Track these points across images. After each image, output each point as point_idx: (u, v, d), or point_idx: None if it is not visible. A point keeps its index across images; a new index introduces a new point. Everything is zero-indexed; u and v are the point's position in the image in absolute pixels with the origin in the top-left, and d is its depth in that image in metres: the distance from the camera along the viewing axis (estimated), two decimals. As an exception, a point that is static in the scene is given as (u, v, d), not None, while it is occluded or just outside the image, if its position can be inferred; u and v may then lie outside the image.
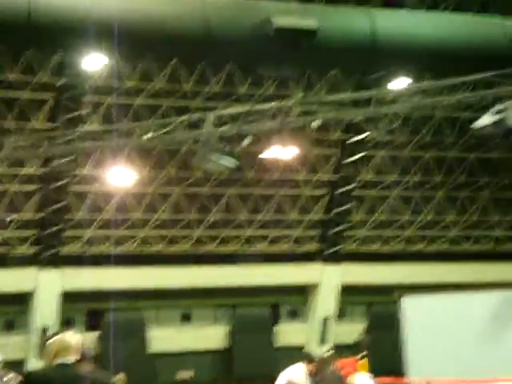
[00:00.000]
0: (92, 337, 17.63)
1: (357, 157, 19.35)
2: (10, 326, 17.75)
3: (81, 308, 18.23)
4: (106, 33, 12.67)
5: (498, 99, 9.89)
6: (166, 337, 18.75)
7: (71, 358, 5.25)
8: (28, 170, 17.01)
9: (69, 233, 17.71)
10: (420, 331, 13.32)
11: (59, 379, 5.20)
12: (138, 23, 13.17)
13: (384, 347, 16.05)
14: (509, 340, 12.37)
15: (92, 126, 16.82)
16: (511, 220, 21.09)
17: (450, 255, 20.67)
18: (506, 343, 12.35)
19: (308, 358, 10.09)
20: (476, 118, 10.61)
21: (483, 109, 10.42)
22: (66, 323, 17.81)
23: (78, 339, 5.34)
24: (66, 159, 16.60)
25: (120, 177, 16.84)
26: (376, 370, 16.29)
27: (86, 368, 5.40)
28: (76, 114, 16.64)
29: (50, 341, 5.36)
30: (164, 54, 14.62)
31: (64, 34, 12.72)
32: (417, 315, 13.57)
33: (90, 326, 18.07)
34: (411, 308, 13.62)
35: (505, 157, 20.70)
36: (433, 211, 20.45)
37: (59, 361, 5.26)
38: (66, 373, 5.22)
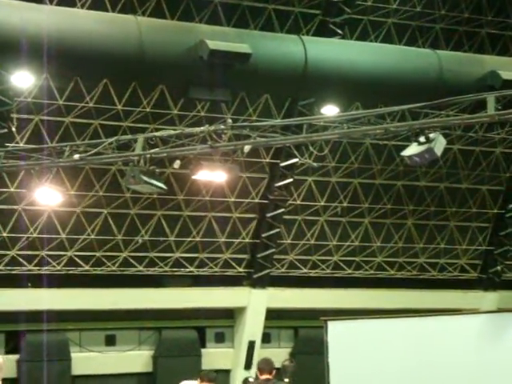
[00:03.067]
0: (11, 359, 17.23)
1: (286, 181, 19.50)
2: None
3: (0, 329, 17.80)
4: (37, 50, 12.55)
5: (426, 129, 10.09)
6: (89, 359, 18.46)
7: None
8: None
9: (-8, 252, 17.35)
10: (344, 356, 13.40)
11: None
12: (70, 41, 13.08)
13: (310, 372, 16.09)
14: (433, 366, 12.55)
15: (19, 143, 16.55)
16: (435, 248, 21.50)
17: (376, 281, 20.94)
18: (431, 369, 12.52)
19: (205, 377, 10.32)
20: (404, 147, 10.79)
21: (411, 137, 10.60)
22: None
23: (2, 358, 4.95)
24: (-9, 177, 16.28)
25: (47, 196, 16.57)
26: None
27: None
28: (2, 131, 16.35)
29: None
30: (96, 73, 14.55)
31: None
32: (342, 340, 13.65)
33: (10, 348, 17.67)
34: (336, 333, 13.71)
35: (431, 185, 21.14)
36: (360, 237, 20.72)
37: None
38: None
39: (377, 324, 13.59)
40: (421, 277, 21.44)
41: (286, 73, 14.67)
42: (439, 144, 10.03)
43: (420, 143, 10.19)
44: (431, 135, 10.06)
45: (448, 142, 10.96)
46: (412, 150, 10.27)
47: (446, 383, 11.64)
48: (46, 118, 16.86)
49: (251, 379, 11.75)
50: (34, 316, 17.11)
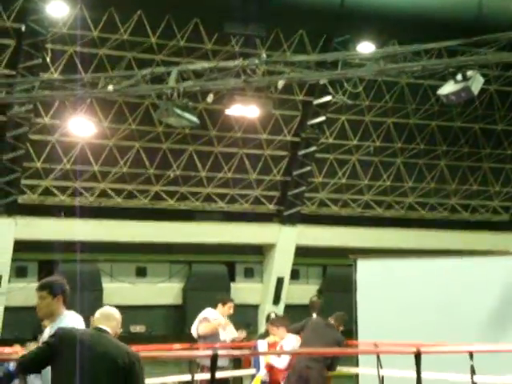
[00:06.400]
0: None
1: (319, 119, 19.37)
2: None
3: (34, 258, 18.12)
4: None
5: (463, 67, 9.94)
6: (120, 290, 18.74)
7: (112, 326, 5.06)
8: (-14, 117, 16.77)
9: (26, 181, 17.52)
10: (372, 295, 13.48)
11: (91, 342, 4.87)
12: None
13: (337, 309, 16.16)
14: (462, 305, 12.59)
15: (53, 74, 16.57)
16: (467, 189, 21.37)
17: (407, 221, 20.91)
18: (459, 308, 12.56)
19: (222, 301, 10.73)
20: (439, 86, 10.66)
21: (447, 76, 10.46)
22: (19, 272, 17.72)
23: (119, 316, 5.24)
24: (26, 107, 16.34)
25: (80, 128, 16.69)
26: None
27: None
28: (37, 61, 16.36)
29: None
30: (130, 3, 14.47)
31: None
32: (370, 278, 13.71)
33: (43, 277, 17.93)
34: (365, 271, 13.76)
35: (465, 126, 20.91)
36: (391, 177, 20.63)
37: (98, 325, 5.07)
38: (102, 338, 4.91)
39: (406, 263, 13.62)
40: (452, 218, 21.38)
41: (323, 8, 14.48)
42: (476, 82, 9.90)
43: (457, 81, 10.06)
44: (469, 73, 9.92)
45: (484, 82, 10.78)
46: (449, 88, 10.14)
47: (475, 322, 11.68)
48: (80, 49, 16.82)
49: (273, 314, 11.87)
50: (67, 246, 17.33)
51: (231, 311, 10.99)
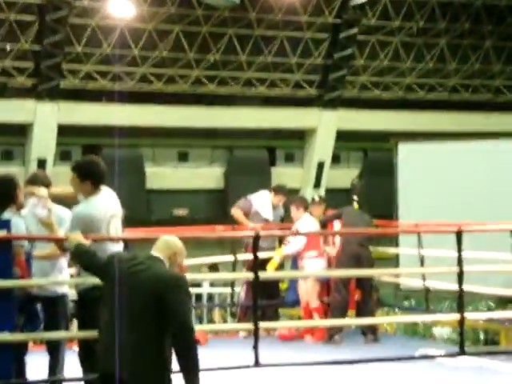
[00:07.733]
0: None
1: (361, 0, 18.92)
2: (8, 157, 17.95)
3: (77, 142, 18.35)
4: None
5: None
6: (162, 175, 18.98)
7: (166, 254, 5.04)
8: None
9: (67, 66, 17.55)
10: (413, 178, 13.52)
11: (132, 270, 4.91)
12: None
13: (377, 192, 16.27)
14: (500, 189, 12.60)
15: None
16: (512, 70, 20.93)
17: (449, 104, 20.64)
18: (497, 192, 12.58)
19: (276, 189, 10.91)
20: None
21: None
22: (63, 156, 17.99)
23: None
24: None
25: (120, 10, 16.56)
26: (368, 214, 16.51)
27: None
28: None
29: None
30: None
31: None
32: (411, 162, 13.73)
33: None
34: (406, 154, 13.77)
35: (511, 5, 20.29)
36: (434, 58, 20.24)
37: (151, 252, 5.08)
38: (146, 266, 4.93)
39: (448, 146, 13.60)
40: (496, 100, 21.03)
41: None
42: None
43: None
44: None
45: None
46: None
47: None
48: None
49: (316, 197, 11.86)
50: (110, 131, 17.47)
51: (280, 204, 11.13)
